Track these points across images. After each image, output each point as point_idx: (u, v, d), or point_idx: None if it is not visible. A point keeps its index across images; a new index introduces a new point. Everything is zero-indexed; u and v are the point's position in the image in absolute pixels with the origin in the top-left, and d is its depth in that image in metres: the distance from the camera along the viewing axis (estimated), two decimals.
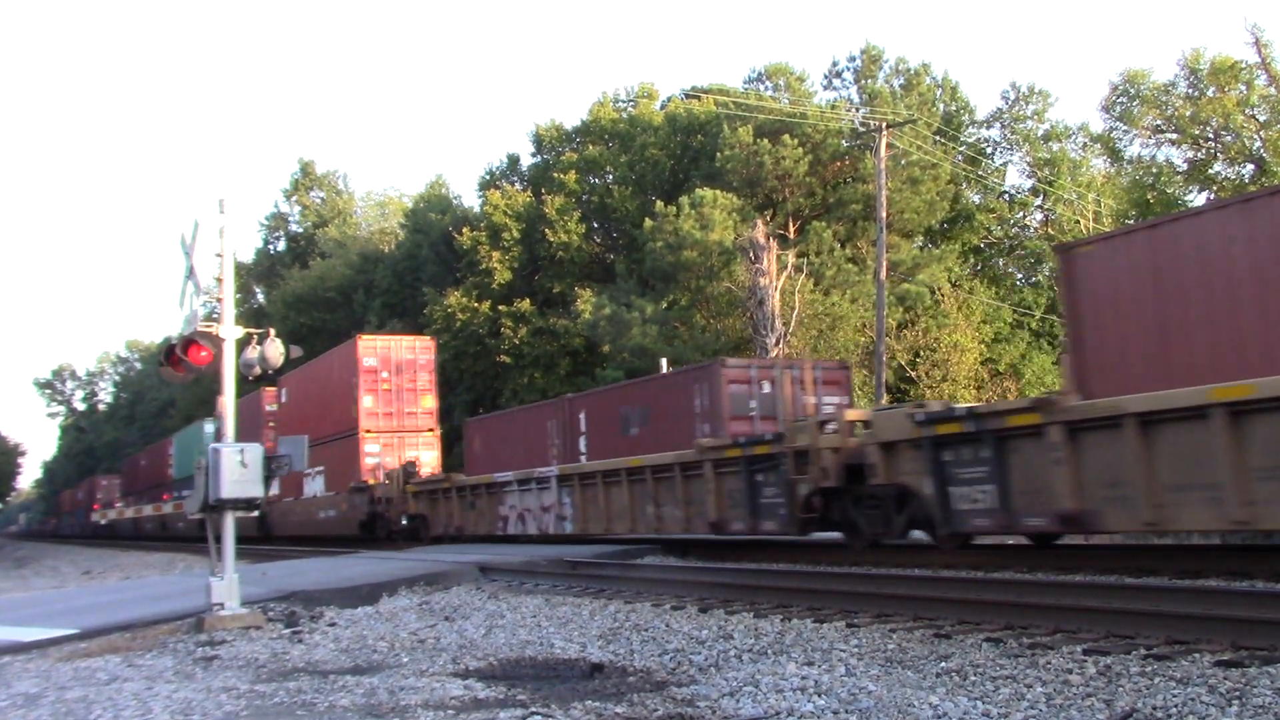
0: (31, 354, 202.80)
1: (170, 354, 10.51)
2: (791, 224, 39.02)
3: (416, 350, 28.92)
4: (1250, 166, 31.50)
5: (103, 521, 66.62)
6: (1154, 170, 33.54)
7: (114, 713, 6.10)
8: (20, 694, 6.89)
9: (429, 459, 27.60)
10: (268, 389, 35.33)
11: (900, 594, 8.81)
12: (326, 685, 6.62)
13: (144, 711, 6.09)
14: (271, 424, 35.05)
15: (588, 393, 23.89)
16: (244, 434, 35.68)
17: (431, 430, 28.41)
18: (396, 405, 27.74)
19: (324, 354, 32.82)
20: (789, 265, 32.90)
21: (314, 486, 30.46)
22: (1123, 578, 9.85)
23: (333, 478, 28.98)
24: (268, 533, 33.63)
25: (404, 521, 24.58)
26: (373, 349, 27.96)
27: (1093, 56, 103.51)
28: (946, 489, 11.79)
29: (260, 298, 67.49)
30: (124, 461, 70.98)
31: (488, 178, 49.50)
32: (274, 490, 32.11)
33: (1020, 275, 44.24)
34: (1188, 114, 32.16)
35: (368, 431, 27.34)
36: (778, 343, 30.81)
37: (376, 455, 27.07)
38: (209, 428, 39.48)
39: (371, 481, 26.03)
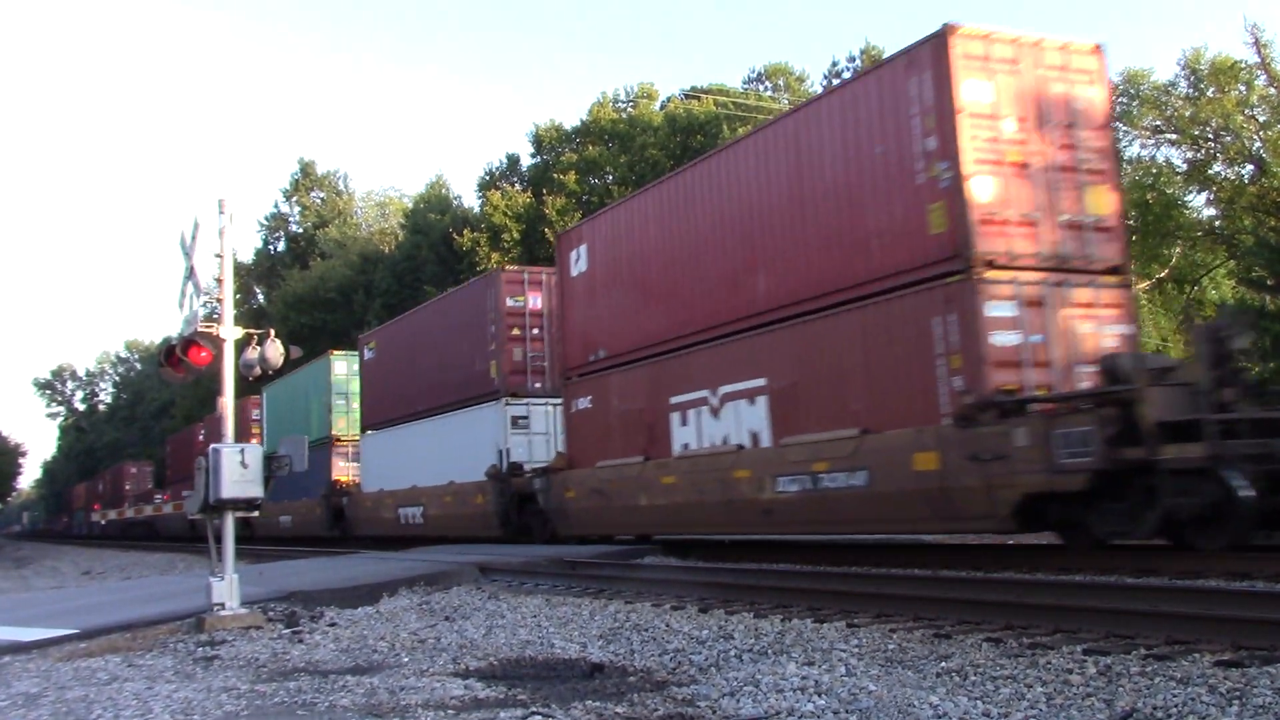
0: (31, 354, 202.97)
1: (170, 355, 10.51)
2: None
3: (1070, 71, 12.58)
4: (1250, 167, 31.48)
5: (102, 522, 63.51)
6: (1153, 170, 33.50)
7: (114, 712, 6.10)
8: (20, 694, 6.89)
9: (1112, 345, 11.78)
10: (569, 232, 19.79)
11: (900, 594, 8.81)
12: (327, 685, 6.62)
13: (144, 711, 6.09)
14: (550, 322, 20.78)
15: None
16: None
17: (1117, 274, 12.36)
18: (1046, 208, 12.04)
19: (784, 114, 15.76)
20: None
21: (729, 424, 14.67)
22: (1123, 578, 9.85)
23: (805, 396, 13.46)
24: (554, 532, 18.86)
25: None
26: (981, 61, 12.09)
27: None
28: None
29: (260, 298, 67.53)
30: (168, 440, 57.01)
31: (487, 178, 49.55)
32: (540, 450, 19.15)
33: None
34: (1187, 114, 32.12)
35: (995, 270, 11.57)
36: None
37: (1012, 330, 11.47)
38: (340, 366, 30.35)
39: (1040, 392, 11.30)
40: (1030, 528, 11.73)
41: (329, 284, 54.62)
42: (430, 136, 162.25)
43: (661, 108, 47.44)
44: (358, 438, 29.65)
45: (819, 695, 5.48)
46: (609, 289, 17.68)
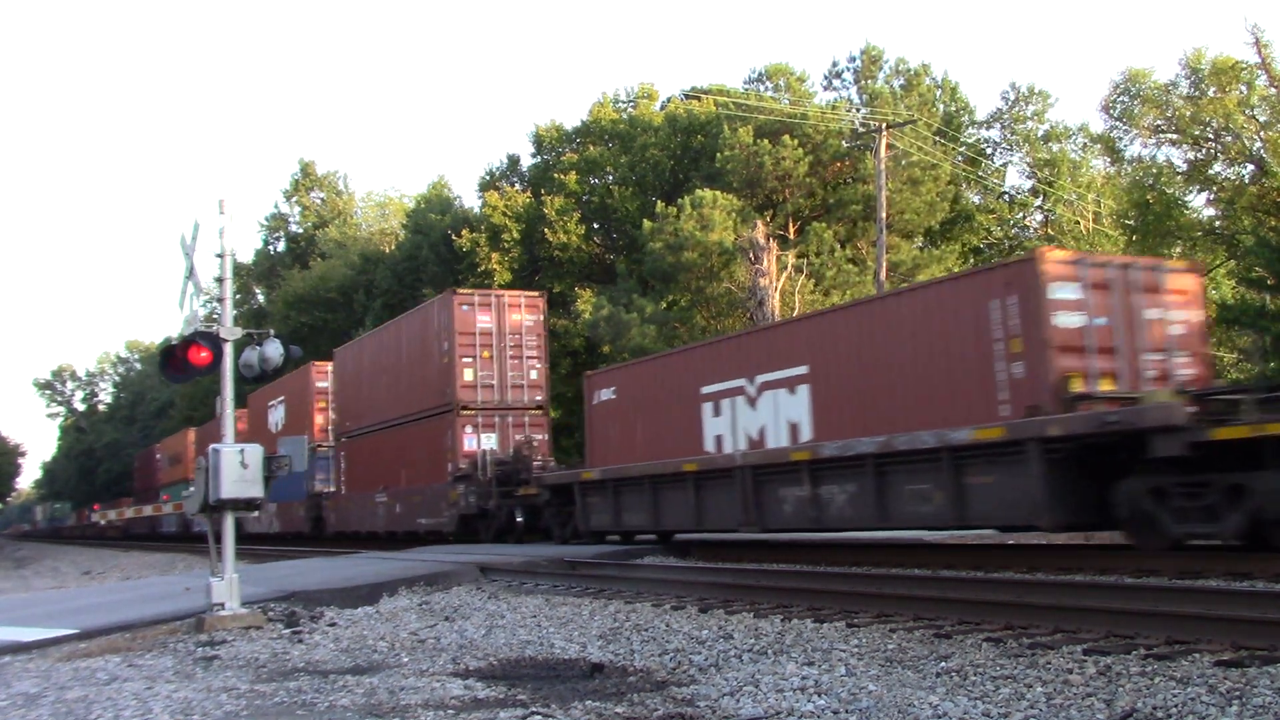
0: (31, 354, 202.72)
1: (170, 355, 10.50)
2: (791, 225, 38.97)
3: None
4: (1250, 167, 31.47)
5: (102, 522, 62.12)
6: (1154, 170, 33.48)
7: (114, 713, 6.09)
8: (20, 694, 6.89)
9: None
10: None
11: (900, 594, 8.82)
12: (326, 685, 6.62)
13: (144, 711, 6.09)
14: None
15: None
16: None
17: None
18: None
19: None
20: (789, 266, 32.91)
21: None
22: (1123, 578, 9.86)
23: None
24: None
25: None
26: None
27: (1093, 56, 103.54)
28: None
29: (260, 298, 67.47)
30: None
31: (488, 178, 49.50)
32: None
33: None
34: (1188, 114, 32.09)
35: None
36: None
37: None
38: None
39: None
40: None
41: (329, 284, 54.60)
42: (430, 137, 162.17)
43: (662, 108, 47.35)
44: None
45: (819, 695, 5.48)
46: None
